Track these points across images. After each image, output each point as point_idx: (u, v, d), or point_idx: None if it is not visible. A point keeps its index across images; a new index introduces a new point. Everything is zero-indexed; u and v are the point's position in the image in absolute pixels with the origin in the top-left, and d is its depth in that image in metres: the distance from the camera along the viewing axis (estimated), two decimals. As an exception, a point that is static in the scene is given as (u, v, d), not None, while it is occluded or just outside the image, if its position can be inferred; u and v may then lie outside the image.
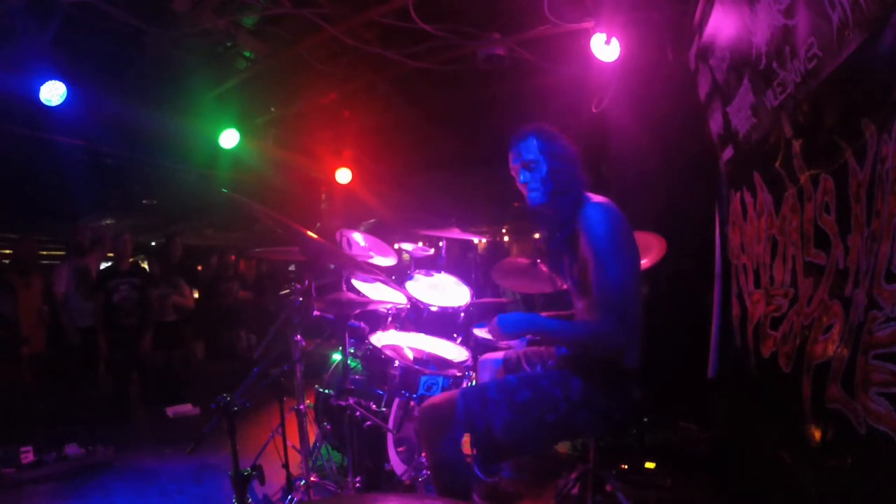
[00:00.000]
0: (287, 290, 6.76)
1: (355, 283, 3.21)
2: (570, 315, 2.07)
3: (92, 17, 3.54)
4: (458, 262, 5.90)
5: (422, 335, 2.87)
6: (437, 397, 1.89)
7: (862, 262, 1.23)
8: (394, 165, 6.77)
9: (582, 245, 1.75)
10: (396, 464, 2.72)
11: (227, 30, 3.81)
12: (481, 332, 3.10)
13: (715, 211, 2.96)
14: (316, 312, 2.58)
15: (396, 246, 4.06)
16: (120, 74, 4.38)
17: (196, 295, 6.20)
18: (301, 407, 2.42)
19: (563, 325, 1.79)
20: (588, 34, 3.24)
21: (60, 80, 3.82)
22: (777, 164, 1.83)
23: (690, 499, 2.80)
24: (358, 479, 2.43)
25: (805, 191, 1.60)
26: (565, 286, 2.02)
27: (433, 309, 3.14)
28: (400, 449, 2.79)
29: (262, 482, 1.81)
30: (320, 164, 6.32)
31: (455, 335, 3.17)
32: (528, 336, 2.02)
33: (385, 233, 4.21)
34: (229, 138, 5.13)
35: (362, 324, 2.76)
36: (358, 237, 3.34)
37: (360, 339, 2.81)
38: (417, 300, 3.13)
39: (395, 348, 2.65)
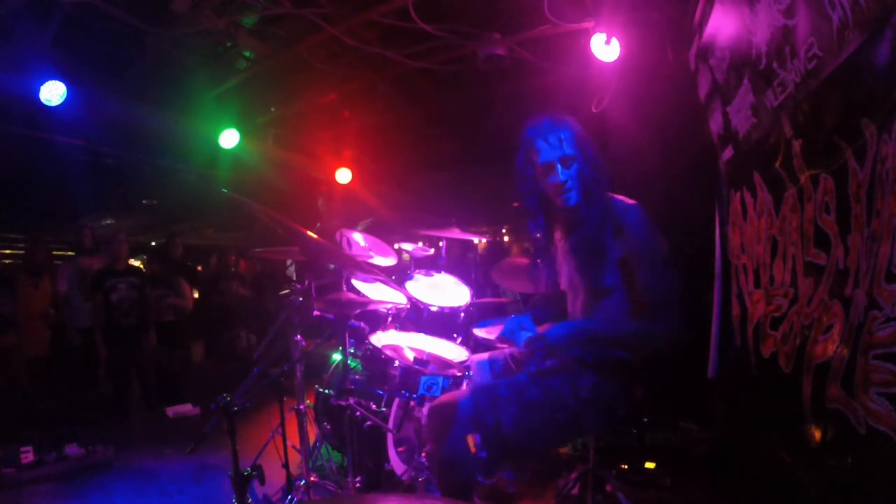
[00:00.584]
0: (287, 290, 6.76)
1: (355, 283, 3.21)
2: (560, 315, 2.07)
3: (92, 17, 3.54)
4: (458, 262, 5.90)
5: (422, 335, 2.87)
6: (446, 396, 1.90)
7: (862, 262, 1.23)
8: (394, 165, 6.76)
9: (625, 247, 1.74)
10: (396, 464, 2.72)
11: (227, 30, 3.80)
12: (482, 333, 3.10)
13: (715, 211, 2.96)
14: (316, 312, 2.58)
15: (396, 246, 4.06)
16: (120, 74, 4.38)
17: (196, 295, 6.19)
18: (301, 407, 2.42)
19: (621, 328, 1.75)
20: (588, 34, 3.24)
21: (60, 80, 3.82)
22: (777, 164, 1.83)
23: (690, 499, 2.80)
24: (358, 479, 2.43)
25: (805, 191, 1.61)
26: (563, 286, 2.01)
27: (433, 309, 3.14)
28: (400, 449, 2.79)
29: (262, 482, 1.81)
30: (320, 164, 6.32)
31: (455, 335, 3.17)
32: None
33: (385, 233, 4.21)
34: (229, 138, 5.13)
35: (362, 324, 2.76)
36: (358, 237, 3.34)
37: (360, 339, 2.81)
38: (417, 300, 3.13)
39: (395, 348, 2.65)
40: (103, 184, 6.19)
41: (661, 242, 1.73)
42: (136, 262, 7.26)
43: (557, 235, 2.00)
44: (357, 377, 3.00)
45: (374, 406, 2.66)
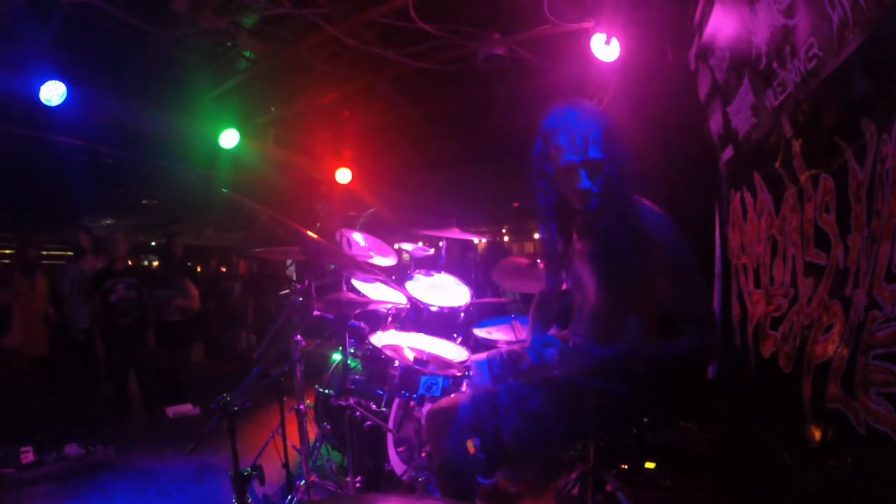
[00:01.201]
0: (287, 290, 6.76)
1: (355, 283, 3.21)
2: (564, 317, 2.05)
3: (92, 17, 3.53)
4: (458, 262, 5.90)
5: (422, 335, 2.87)
6: (446, 400, 1.88)
7: (862, 262, 1.23)
8: (394, 165, 6.76)
9: (653, 260, 1.61)
10: (396, 464, 2.71)
11: (227, 30, 3.80)
12: (482, 333, 3.10)
13: (715, 211, 2.96)
14: (316, 312, 2.58)
15: (396, 246, 4.06)
16: (120, 74, 4.38)
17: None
18: (301, 407, 2.42)
19: (666, 350, 1.64)
20: (588, 34, 3.24)
21: (60, 80, 3.82)
22: (777, 164, 1.83)
23: (690, 499, 2.80)
24: (358, 479, 2.43)
25: (805, 191, 1.60)
26: (566, 286, 1.98)
27: (433, 309, 3.14)
28: (400, 449, 2.79)
29: (262, 482, 1.81)
30: (320, 164, 6.32)
31: (455, 335, 3.17)
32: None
33: (385, 233, 4.21)
34: (229, 138, 5.13)
35: (362, 324, 2.76)
36: (358, 237, 3.34)
37: (360, 339, 2.81)
38: (417, 300, 3.13)
39: (395, 348, 2.65)
40: (103, 184, 6.19)
41: (691, 255, 1.63)
42: (140, 262, 7.28)
43: (574, 237, 1.86)
44: (357, 377, 3.00)
45: (374, 406, 2.66)
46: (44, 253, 8.30)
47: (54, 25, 3.52)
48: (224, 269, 7.98)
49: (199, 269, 7.83)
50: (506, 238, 10.83)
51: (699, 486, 2.86)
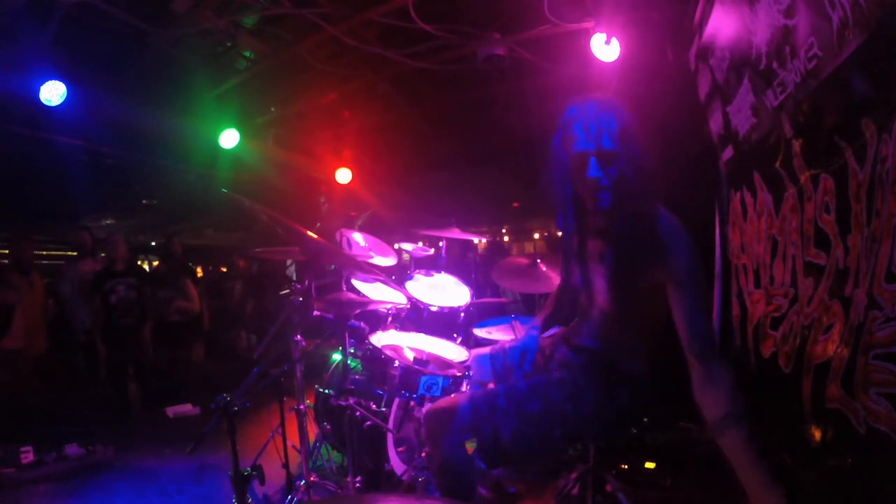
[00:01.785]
0: (287, 290, 6.77)
1: (355, 283, 3.21)
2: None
3: (92, 17, 3.54)
4: (458, 262, 5.90)
5: (422, 335, 2.87)
6: (444, 401, 1.87)
7: (862, 262, 1.23)
8: (394, 165, 6.77)
9: (664, 272, 1.58)
10: (396, 464, 2.71)
11: (227, 30, 3.80)
12: (482, 332, 3.10)
13: (715, 211, 2.96)
14: (316, 312, 2.58)
15: (396, 246, 4.06)
16: (120, 74, 4.38)
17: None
18: (301, 407, 2.42)
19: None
20: (588, 34, 3.24)
21: (60, 80, 3.82)
22: (777, 164, 1.83)
23: (690, 499, 2.80)
24: (358, 479, 2.43)
25: (805, 191, 1.60)
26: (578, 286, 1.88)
27: (433, 309, 3.14)
28: (400, 449, 2.79)
29: (262, 482, 1.82)
30: (320, 164, 6.33)
31: (455, 335, 3.17)
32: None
33: (385, 233, 4.21)
34: (229, 138, 5.13)
35: (362, 324, 2.76)
36: (358, 237, 3.34)
37: (360, 339, 2.81)
38: (417, 300, 3.13)
39: (395, 348, 2.65)
40: (103, 184, 6.18)
41: (701, 269, 1.59)
42: (138, 262, 7.28)
43: (589, 236, 1.80)
44: (357, 377, 3.00)
45: (374, 406, 2.66)
46: (43, 253, 8.32)
47: (54, 25, 3.51)
48: (224, 269, 7.99)
49: (198, 270, 7.83)
50: (506, 238, 10.83)
51: (699, 486, 2.86)
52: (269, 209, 2.06)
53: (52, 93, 3.82)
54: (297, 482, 2.44)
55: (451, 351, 2.75)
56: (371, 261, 3.27)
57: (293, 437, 2.57)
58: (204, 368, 6.58)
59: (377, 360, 2.87)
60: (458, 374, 2.51)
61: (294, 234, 2.15)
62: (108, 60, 4.21)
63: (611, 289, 1.71)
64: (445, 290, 3.38)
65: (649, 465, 2.99)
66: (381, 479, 2.70)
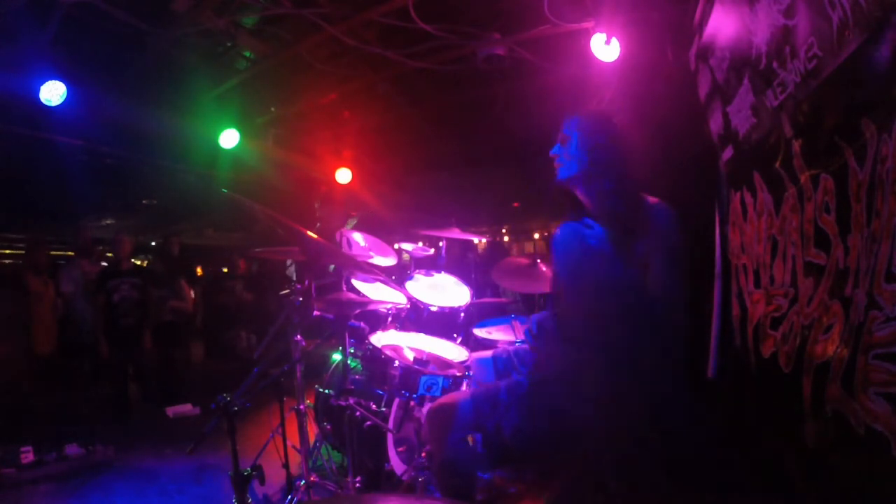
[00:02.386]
0: (287, 290, 6.77)
1: (355, 283, 3.21)
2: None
3: (92, 17, 3.54)
4: (458, 262, 5.90)
5: (422, 335, 2.87)
6: (446, 398, 1.88)
7: (862, 262, 1.23)
8: (394, 165, 6.77)
9: (649, 251, 1.68)
10: (396, 464, 2.71)
11: (227, 30, 3.80)
12: (482, 333, 3.09)
13: (715, 211, 2.96)
14: (316, 312, 2.58)
15: (396, 246, 4.06)
16: (120, 74, 4.38)
17: (193, 294, 6.20)
18: (301, 407, 2.42)
19: None
20: (588, 34, 3.24)
21: (60, 80, 3.82)
22: (777, 164, 1.83)
23: (691, 498, 2.80)
24: (358, 479, 2.43)
25: (805, 191, 1.60)
26: None
27: (433, 309, 3.14)
28: (400, 449, 2.79)
29: (262, 482, 1.81)
30: (320, 164, 6.33)
31: (455, 335, 3.17)
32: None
33: (385, 233, 4.21)
34: (229, 138, 5.13)
35: (362, 324, 2.76)
36: (358, 237, 3.34)
37: (360, 339, 2.81)
38: (417, 300, 3.13)
39: (395, 348, 2.65)
40: (103, 184, 6.18)
41: (682, 242, 1.69)
42: (137, 262, 7.27)
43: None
44: (357, 377, 3.00)
45: (374, 406, 2.66)
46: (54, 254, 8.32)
47: (54, 25, 3.51)
48: (224, 269, 7.98)
49: (198, 270, 7.83)
50: (506, 238, 10.83)
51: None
52: (269, 209, 2.06)
53: (52, 93, 3.82)
54: (297, 482, 2.44)
55: (451, 351, 2.75)
56: (371, 261, 3.27)
57: (293, 437, 2.57)
58: (204, 368, 6.59)
59: (377, 360, 2.87)
60: (458, 374, 2.51)
61: (294, 234, 2.15)
62: (108, 60, 4.21)
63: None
64: (445, 290, 3.38)
65: (649, 465, 2.98)
66: (381, 479, 2.70)
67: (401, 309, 3.17)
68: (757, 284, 2.13)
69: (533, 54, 3.89)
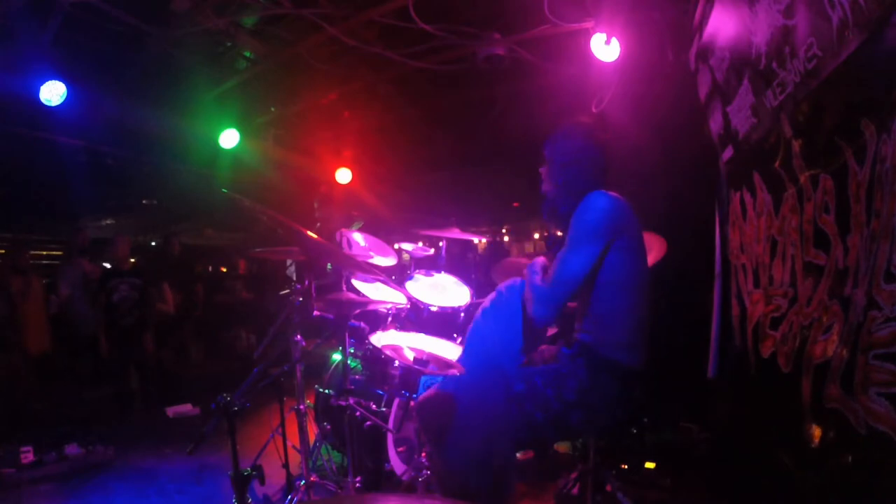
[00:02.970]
0: (287, 290, 6.77)
1: (355, 283, 3.21)
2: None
3: (92, 17, 3.54)
4: (458, 262, 5.90)
5: (422, 335, 2.87)
6: (435, 393, 1.87)
7: (861, 262, 1.23)
8: (394, 165, 6.77)
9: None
10: (396, 464, 2.71)
11: (227, 30, 3.80)
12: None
13: (715, 211, 2.96)
14: (316, 312, 2.57)
15: (396, 246, 4.06)
16: (120, 74, 4.39)
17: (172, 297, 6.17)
18: (301, 407, 2.42)
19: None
20: (588, 34, 3.24)
21: (60, 80, 3.82)
22: (777, 164, 1.83)
23: (690, 499, 2.80)
24: (358, 479, 2.43)
25: (805, 191, 1.60)
26: None
27: (433, 309, 3.14)
28: (400, 449, 2.79)
29: (262, 482, 1.82)
30: (320, 164, 6.33)
31: (455, 335, 3.17)
32: None
33: (385, 233, 4.21)
34: (229, 138, 5.13)
35: (362, 324, 2.76)
36: (358, 237, 3.34)
37: (360, 339, 2.81)
38: (417, 300, 3.13)
39: (395, 348, 2.65)
40: (103, 184, 6.19)
41: (586, 224, 1.73)
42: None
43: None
44: (357, 377, 2.99)
45: (374, 406, 2.66)
46: (43, 253, 8.32)
47: (54, 25, 3.52)
48: (224, 269, 7.98)
49: (198, 269, 7.82)
50: (506, 238, 10.83)
51: (699, 486, 2.86)
52: (269, 209, 2.06)
53: (52, 93, 3.82)
54: (297, 482, 2.43)
55: (451, 351, 2.75)
56: (371, 261, 3.27)
57: (293, 437, 2.56)
58: (204, 368, 6.59)
59: (377, 360, 2.87)
60: (458, 374, 2.51)
61: (294, 234, 2.15)
62: (107, 60, 4.21)
63: None
64: (445, 290, 3.38)
65: (649, 465, 2.99)
66: (381, 479, 2.70)
67: (401, 309, 3.17)
68: (756, 284, 2.13)
69: (533, 54, 3.88)
